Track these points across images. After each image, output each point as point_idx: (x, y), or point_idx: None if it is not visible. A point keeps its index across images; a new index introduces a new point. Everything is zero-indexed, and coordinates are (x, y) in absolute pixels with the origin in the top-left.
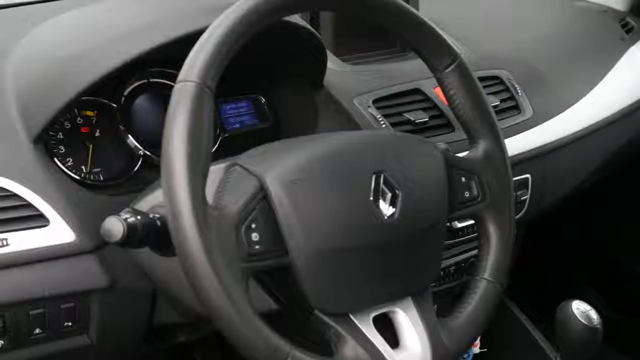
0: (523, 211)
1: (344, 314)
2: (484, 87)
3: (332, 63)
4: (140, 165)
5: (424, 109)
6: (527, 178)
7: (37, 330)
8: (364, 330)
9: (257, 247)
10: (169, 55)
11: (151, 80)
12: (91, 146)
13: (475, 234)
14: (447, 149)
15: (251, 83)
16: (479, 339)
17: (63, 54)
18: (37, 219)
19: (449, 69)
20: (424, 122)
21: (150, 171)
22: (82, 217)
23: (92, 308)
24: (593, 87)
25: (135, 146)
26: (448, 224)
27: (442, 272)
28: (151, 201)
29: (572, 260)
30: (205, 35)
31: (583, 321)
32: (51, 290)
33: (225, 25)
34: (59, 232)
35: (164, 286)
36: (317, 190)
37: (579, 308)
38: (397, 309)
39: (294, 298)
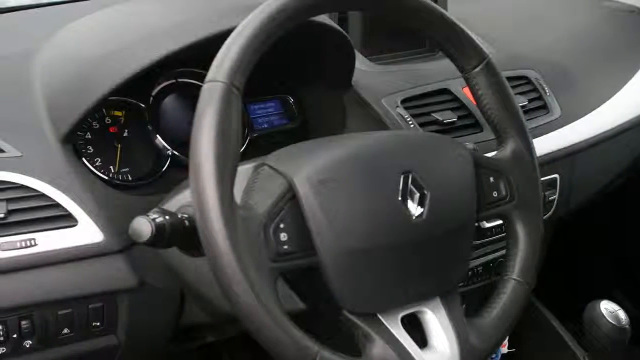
0: (551, 211)
1: (372, 314)
2: (512, 87)
3: (361, 63)
4: (168, 165)
5: (452, 109)
6: (555, 178)
7: (65, 331)
8: (392, 331)
9: (285, 247)
10: (197, 55)
11: (179, 80)
12: (119, 146)
13: (504, 234)
14: (475, 149)
15: (279, 83)
16: (507, 338)
17: (91, 54)
18: (66, 219)
19: (478, 69)
20: (452, 122)
21: (179, 171)
22: (110, 217)
23: (120, 308)
24: (621, 87)
25: (164, 146)
26: (476, 223)
27: (470, 272)
28: (179, 201)
29: (600, 260)
30: (233, 35)
31: (611, 321)
32: (79, 291)
33: (253, 25)
34: (87, 232)
35: (192, 286)
36: (345, 190)
37: (608, 308)
38: (426, 309)
39: (323, 298)
